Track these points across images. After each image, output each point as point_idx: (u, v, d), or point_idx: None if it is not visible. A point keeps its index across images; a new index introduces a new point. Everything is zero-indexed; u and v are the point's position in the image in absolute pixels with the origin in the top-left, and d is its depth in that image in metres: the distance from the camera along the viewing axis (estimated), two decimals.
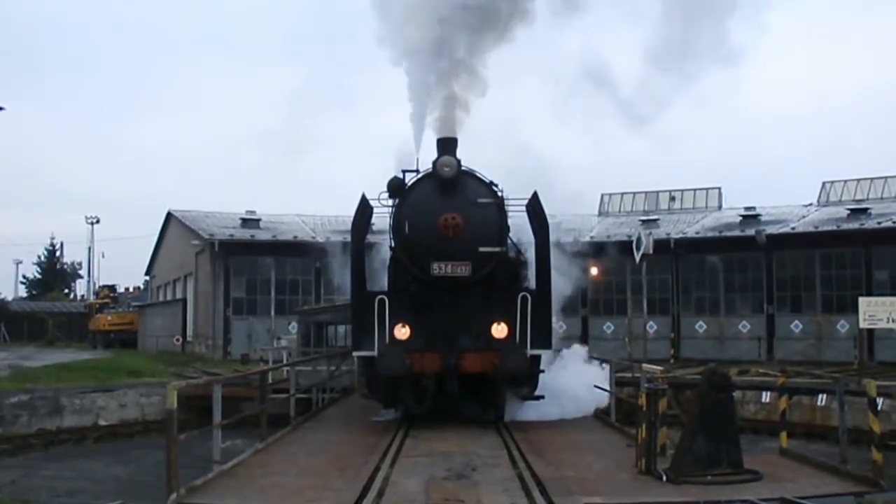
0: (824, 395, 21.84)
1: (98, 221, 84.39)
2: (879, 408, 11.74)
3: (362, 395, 18.26)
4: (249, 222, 45.94)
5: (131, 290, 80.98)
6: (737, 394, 14.67)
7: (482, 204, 15.42)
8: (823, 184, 45.13)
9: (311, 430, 15.74)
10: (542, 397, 16.08)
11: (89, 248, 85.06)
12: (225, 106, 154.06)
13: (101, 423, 25.11)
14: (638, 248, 33.27)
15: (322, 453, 12.96)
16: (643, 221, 44.80)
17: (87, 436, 24.00)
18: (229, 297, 42.92)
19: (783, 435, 12.59)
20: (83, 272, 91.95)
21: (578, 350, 20.02)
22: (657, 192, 49.01)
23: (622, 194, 49.44)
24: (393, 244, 16.04)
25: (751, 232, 39.78)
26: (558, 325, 18.67)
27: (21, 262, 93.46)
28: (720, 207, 46.71)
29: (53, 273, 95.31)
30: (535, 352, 15.17)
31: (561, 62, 20.42)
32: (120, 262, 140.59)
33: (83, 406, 25.09)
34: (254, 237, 43.99)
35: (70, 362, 34.95)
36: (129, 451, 22.26)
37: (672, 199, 48.38)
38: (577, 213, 39.74)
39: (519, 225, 16.51)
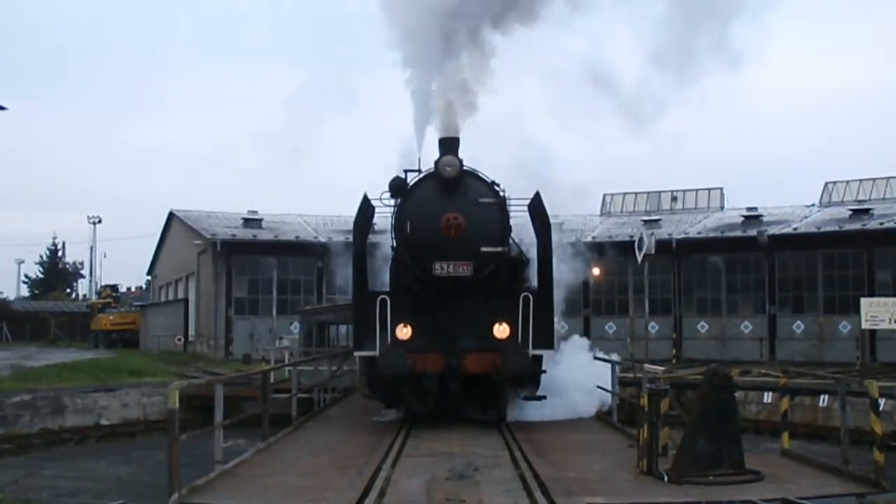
0: (826, 396, 21.82)
1: (100, 221, 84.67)
2: (881, 408, 11.75)
3: (364, 396, 18.26)
4: (251, 222, 45.95)
5: (133, 289, 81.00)
6: (738, 394, 14.66)
7: (484, 204, 15.40)
8: (826, 184, 45.15)
9: (312, 430, 15.74)
10: (544, 397, 16.07)
11: (91, 248, 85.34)
12: (227, 106, 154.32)
13: (103, 422, 25.11)
14: (640, 249, 33.21)
15: (324, 453, 12.96)
16: (645, 222, 44.78)
17: (88, 435, 24.01)
18: (231, 296, 42.94)
19: (785, 435, 12.59)
20: (85, 272, 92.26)
21: (579, 342, 19.93)
22: (659, 193, 49.03)
23: (624, 194, 49.45)
24: (395, 244, 16.02)
25: (753, 232, 39.77)
26: (560, 325, 18.61)
27: (23, 262, 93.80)
28: (722, 208, 46.71)
29: (55, 273, 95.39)
30: (537, 352, 15.14)
31: (563, 63, 20.41)
32: (122, 261, 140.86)
33: (85, 406, 25.10)
34: (256, 237, 44.00)
35: (72, 362, 34.95)
36: (130, 450, 22.26)
37: (674, 199, 48.40)
38: (578, 214, 39.81)
39: (521, 225, 16.51)
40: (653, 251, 32.92)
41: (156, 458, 18.59)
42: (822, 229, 38.98)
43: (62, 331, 69.88)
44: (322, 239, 43.10)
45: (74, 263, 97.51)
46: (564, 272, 18.75)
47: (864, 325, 26.25)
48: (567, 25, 17.74)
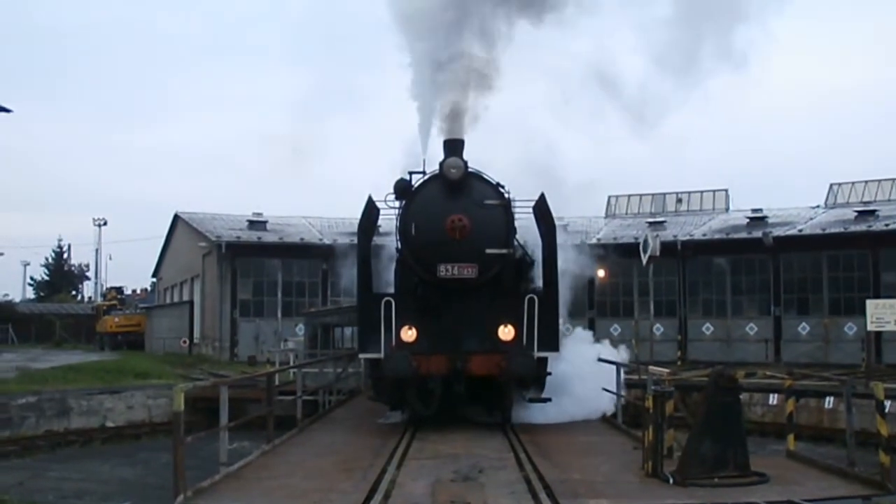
0: (831, 398, 21.79)
1: (105, 223, 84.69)
2: (887, 410, 11.69)
3: (369, 398, 18.26)
4: (256, 224, 45.96)
5: (138, 291, 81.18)
6: (744, 396, 14.62)
7: (489, 205, 15.40)
8: (831, 185, 45.05)
9: (317, 432, 15.75)
10: (549, 400, 16.05)
11: (97, 250, 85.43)
12: (233, 108, 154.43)
13: (109, 424, 25.17)
14: (645, 250, 33.21)
15: (328, 455, 12.97)
16: (650, 223, 44.75)
17: (94, 437, 24.08)
18: (236, 298, 42.94)
19: (790, 437, 12.57)
20: (90, 274, 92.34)
21: (582, 335, 19.73)
22: (664, 194, 48.95)
23: (629, 196, 49.38)
24: (399, 246, 16.02)
25: (758, 234, 39.70)
26: (565, 327, 18.54)
27: (29, 264, 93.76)
28: (727, 209, 46.64)
29: (61, 275, 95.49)
30: (542, 354, 15.12)
31: (569, 64, 20.41)
32: (127, 264, 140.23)
33: (90, 408, 25.16)
34: (261, 239, 44.01)
35: (77, 364, 35.02)
36: (136, 452, 22.33)
37: (679, 201, 48.32)
38: (583, 216, 39.79)
39: (526, 227, 16.50)
40: (658, 253, 32.93)
41: (161, 460, 18.63)
42: (828, 231, 38.90)
43: (67, 333, 69.95)
44: (327, 241, 43.17)
45: (80, 266, 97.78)
46: (569, 274, 18.69)
47: (870, 327, 26.19)
48: (573, 26, 17.73)
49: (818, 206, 44.08)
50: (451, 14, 15.78)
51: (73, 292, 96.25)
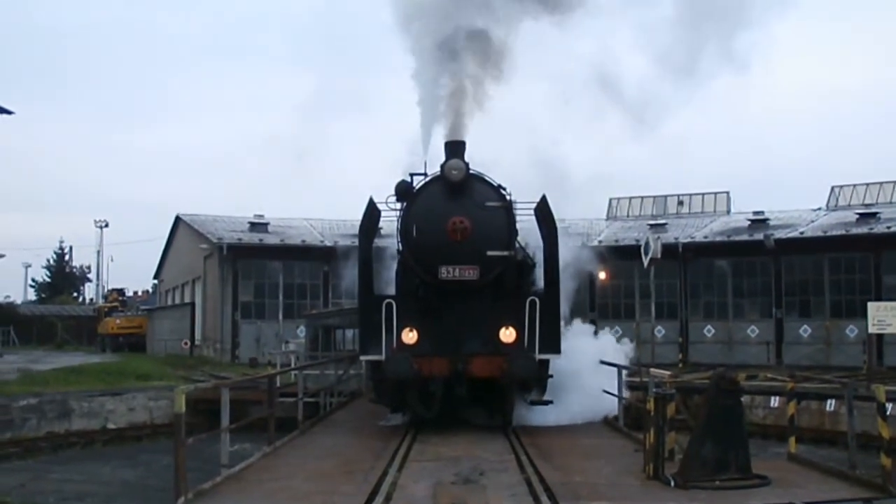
0: (833, 400, 21.78)
1: (107, 225, 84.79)
2: (888, 413, 11.68)
3: (370, 400, 18.26)
4: (258, 226, 45.97)
5: (140, 293, 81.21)
6: (745, 398, 14.60)
7: (490, 207, 15.37)
8: (832, 188, 45.06)
9: (318, 434, 15.74)
10: (551, 402, 16.05)
11: (98, 252, 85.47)
12: (234, 110, 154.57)
13: (110, 426, 25.19)
14: (646, 253, 33.23)
15: (330, 457, 12.96)
16: (651, 226, 44.74)
17: (95, 439, 24.09)
18: (237, 300, 42.94)
19: (792, 440, 12.56)
20: (92, 276, 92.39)
21: (581, 328, 19.55)
22: (665, 197, 48.94)
23: (630, 198, 49.38)
24: (400, 248, 16.01)
25: (759, 236, 39.69)
26: (566, 329, 18.46)
27: (30, 266, 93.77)
28: (728, 212, 46.64)
29: (62, 276, 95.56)
30: (544, 356, 15.10)
31: (571, 66, 20.42)
32: (128, 265, 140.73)
33: (92, 409, 25.17)
34: (262, 241, 44.02)
35: (79, 366, 35.03)
36: (137, 454, 22.34)
37: (680, 203, 48.32)
38: (585, 218, 39.80)
39: (527, 229, 16.50)
40: (659, 255, 32.96)
41: (162, 462, 18.64)
42: (829, 233, 38.88)
43: (69, 335, 70.00)
44: (328, 243, 43.19)
45: (81, 267, 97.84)
46: (570, 276, 18.65)
47: (871, 330, 26.21)
48: (574, 27, 17.74)
49: (819, 209, 44.07)
50: (453, 14, 15.76)
51: (75, 294, 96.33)
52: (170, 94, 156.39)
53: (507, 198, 15.68)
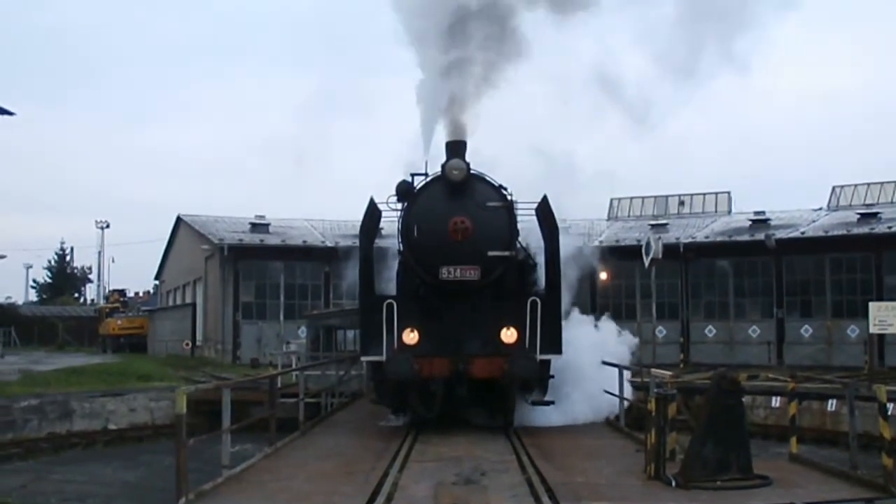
0: (834, 400, 21.77)
1: (108, 226, 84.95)
2: (890, 413, 11.67)
3: (371, 400, 18.25)
4: (259, 227, 45.97)
5: (141, 294, 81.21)
6: (746, 399, 14.61)
7: (491, 207, 15.36)
8: (833, 188, 45.05)
9: (320, 435, 15.74)
10: (552, 402, 16.04)
11: (99, 253, 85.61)
12: (236, 111, 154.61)
13: (111, 427, 25.17)
14: (647, 253, 33.25)
15: (331, 458, 12.96)
16: (652, 226, 44.72)
17: (96, 440, 24.08)
18: (238, 301, 42.94)
19: (793, 440, 12.55)
20: (93, 276, 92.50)
21: (580, 318, 19.23)
22: (666, 197, 48.90)
23: (631, 199, 49.35)
24: (401, 248, 16.00)
25: (760, 236, 39.67)
26: (565, 320, 18.21)
27: (31, 267, 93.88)
28: (730, 212, 46.62)
29: (64, 277, 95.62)
30: (545, 357, 15.08)
31: (571, 66, 20.40)
32: (130, 266, 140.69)
33: (93, 410, 25.16)
34: (263, 241, 44.02)
35: (80, 366, 35.04)
36: (138, 455, 22.33)
37: (681, 203, 48.29)
38: (586, 218, 39.78)
39: (528, 229, 16.48)
40: (660, 255, 32.98)
41: (163, 463, 18.65)
42: (830, 233, 38.86)
43: (70, 335, 70.04)
44: (329, 243, 43.21)
45: (82, 268, 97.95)
46: (571, 276, 18.57)
47: (873, 329, 26.18)
48: (574, 27, 17.72)
49: (821, 209, 44.05)
50: (456, 14, 15.74)
51: (76, 295, 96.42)
52: (171, 95, 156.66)
53: (508, 198, 15.67)
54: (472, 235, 14.95)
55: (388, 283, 17.25)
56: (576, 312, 19.10)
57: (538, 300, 15.09)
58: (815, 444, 19.79)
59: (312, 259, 42.92)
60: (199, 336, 48.51)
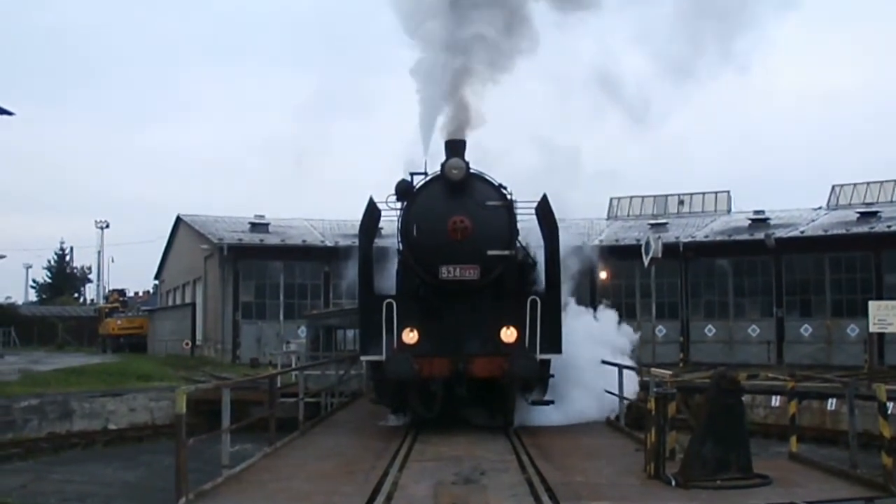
0: (834, 400, 21.76)
1: (108, 226, 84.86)
2: (889, 412, 11.67)
3: (371, 400, 18.24)
4: (258, 226, 45.98)
5: (141, 294, 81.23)
6: (746, 398, 14.61)
7: (491, 207, 15.33)
8: (833, 187, 45.07)
9: (319, 435, 15.73)
10: (552, 402, 16.03)
11: (99, 253, 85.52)
12: (235, 111, 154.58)
13: (111, 427, 25.17)
14: (647, 252, 33.24)
15: (331, 458, 12.96)
16: (652, 225, 44.73)
17: (96, 440, 24.08)
18: (238, 301, 42.96)
19: (793, 439, 12.55)
20: (93, 276, 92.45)
21: (576, 310, 19.07)
22: (666, 196, 48.93)
23: (631, 198, 49.35)
24: (401, 247, 15.99)
25: (760, 235, 39.69)
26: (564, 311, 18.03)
27: (31, 267, 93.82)
28: (729, 211, 46.64)
29: (63, 277, 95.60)
30: (545, 356, 15.06)
31: (571, 66, 20.38)
32: (129, 266, 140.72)
33: (93, 410, 25.16)
34: (263, 241, 44.03)
35: (80, 366, 35.04)
36: (138, 455, 22.33)
37: (681, 202, 48.32)
38: (585, 217, 39.80)
39: (528, 228, 16.47)
40: (660, 255, 32.98)
41: (163, 463, 18.64)
42: (830, 232, 38.88)
43: (70, 335, 70.04)
44: (329, 243, 43.21)
45: (82, 268, 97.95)
46: (571, 275, 18.51)
47: (872, 329, 26.23)
48: (573, 27, 17.70)
49: (820, 208, 44.08)
50: (455, 13, 15.72)
51: (76, 295, 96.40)
52: (170, 95, 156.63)
53: (508, 197, 15.65)
54: (472, 235, 14.93)
55: (388, 282, 17.23)
56: (573, 303, 18.91)
57: (538, 299, 15.06)
58: (815, 443, 19.79)
59: (312, 259, 42.94)
60: (198, 336, 48.52)
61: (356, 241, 16.95)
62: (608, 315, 20.09)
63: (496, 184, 15.68)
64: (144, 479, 19.24)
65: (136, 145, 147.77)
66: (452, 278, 15.07)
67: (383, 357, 14.75)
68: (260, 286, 43.45)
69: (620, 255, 36.43)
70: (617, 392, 15.94)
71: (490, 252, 15.09)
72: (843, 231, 38.47)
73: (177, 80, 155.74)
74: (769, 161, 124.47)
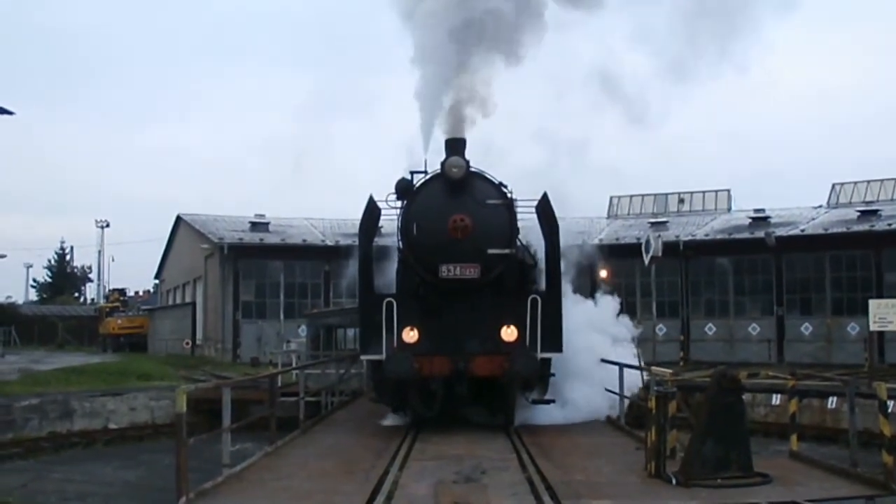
0: (835, 398, 21.75)
1: (108, 225, 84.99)
2: (890, 410, 11.67)
3: (371, 399, 18.23)
4: (258, 226, 45.99)
5: (141, 293, 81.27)
6: (746, 396, 14.60)
7: (491, 205, 15.31)
8: (833, 185, 45.07)
9: (320, 434, 15.73)
10: (553, 401, 16.02)
11: (99, 252, 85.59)
12: (235, 110, 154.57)
13: (111, 426, 25.15)
14: (647, 251, 33.22)
15: (331, 457, 12.96)
16: (652, 224, 44.73)
17: (96, 439, 24.06)
18: (238, 300, 42.98)
19: (793, 438, 12.55)
20: (93, 276, 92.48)
21: (574, 297, 18.69)
22: (666, 195, 48.94)
23: (631, 197, 49.36)
24: (401, 246, 15.97)
25: (760, 234, 39.68)
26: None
27: (31, 266, 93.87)
28: (729, 209, 46.66)
29: (64, 277, 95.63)
30: (546, 355, 15.05)
31: (571, 65, 20.37)
32: (130, 265, 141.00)
33: (93, 409, 25.15)
34: (263, 240, 44.04)
35: (80, 366, 35.03)
36: (138, 454, 22.31)
37: (681, 201, 48.32)
38: (585, 216, 39.82)
39: (528, 227, 16.45)
40: (660, 253, 32.95)
41: (163, 462, 18.62)
42: (830, 231, 38.90)
43: (70, 335, 70.04)
44: (329, 242, 43.22)
45: (82, 267, 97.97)
46: (571, 273, 18.45)
47: (873, 327, 26.19)
48: (573, 26, 17.69)
49: (821, 206, 44.08)
50: (457, 13, 15.68)
51: (76, 294, 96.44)
52: (171, 94, 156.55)
53: (508, 195, 15.63)
54: (472, 233, 14.91)
55: (388, 281, 17.22)
56: (570, 292, 18.51)
57: (538, 298, 15.05)
58: (816, 441, 19.76)
59: (312, 258, 42.96)
60: (199, 335, 48.54)
61: (356, 240, 16.94)
62: (608, 302, 20.00)
63: (496, 182, 15.66)
64: (145, 478, 19.22)
65: (136, 145, 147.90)
66: (453, 277, 15.05)
67: (383, 356, 14.75)
68: (260, 285, 43.47)
69: (621, 253, 36.41)
70: (617, 390, 15.93)
71: (490, 251, 15.07)
72: (844, 229, 38.47)
73: (177, 80, 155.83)
74: (769, 159, 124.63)
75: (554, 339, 15.10)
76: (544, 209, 15.63)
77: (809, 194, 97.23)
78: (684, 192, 48.75)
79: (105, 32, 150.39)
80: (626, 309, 41.39)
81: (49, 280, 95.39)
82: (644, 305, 41.40)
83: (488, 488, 10.34)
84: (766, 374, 25.07)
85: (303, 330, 37.19)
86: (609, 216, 48.80)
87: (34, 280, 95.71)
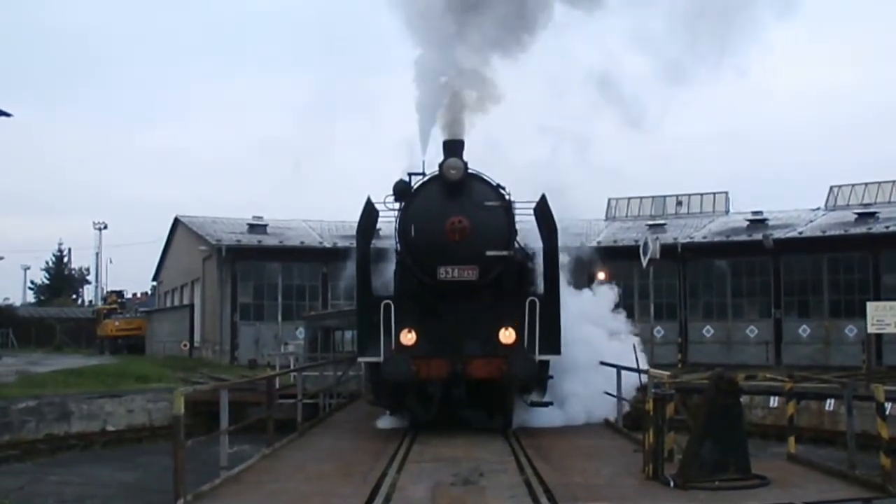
0: (832, 400, 21.77)
1: (106, 227, 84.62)
2: (888, 413, 11.67)
3: (369, 401, 18.21)
4: (256, 227, 46.00)
5: (139, 295, 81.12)
6: (744, 398, 14.60)
7: (489, 207, 15.28)
8: (831, 188, 45.09)
9: (317, 436, 15.72)
10: (551, 403, 16.01)
11: (97, 254, 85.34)
12: (233, 112, 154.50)
13: (109, 428, 25.14)
14: (645, 253, 33.25)
15: (329, 459, 12.94)
16: (650, 226, 44.74)
17: (94, 441, 24.06)
18: (236, 302, 42.96)
19: (791, 440, 12.55)
20: (91, 278, 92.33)
21: (570, 290, 18.50)
22: (664, 197, 48.94)
23: (629, 199, 49.38)
24: (399, 248, 15.96)
25: (758, 236, 39.70)
26: None
27: (29, 268, 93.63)
28: (727, 212, 46.67)
29: (61, 279, 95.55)
30: (544, 357, 15.02)
31: (569, 68, 20.36)
32: (127, 267, 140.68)
33: (91, 412, 25.13)
34: (261, 242, 44.04)
35: (78, 368, 35.00)
36: (136, 456, 22.30)
37: (679, 203, 48.33)
38: (583, 218, 39.81)
39: (527, 229, 16.44)
40: (658, 256, 32.97)
41: (161, 464, 18.56)
42: (828, 233, 38.92)
43: (68, 337, 69.99)
44: (327, 244, 43.22)
45: (80, 269, 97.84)
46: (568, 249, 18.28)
47: (870, 329, 26.18)
48: (572, 26, 17.69)
49: (818, 209, 44.10)
50: (455, 15, 15.69)
51: (74, 296, 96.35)
52: (169, 96, 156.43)
53: (506, 197, 15.63)
54: (470, 235, 14.89)
55: (386, 283, 17.21)
56: (565, 284, 17.98)
57: (537, 300, 15.03)
58: (813, 443, 19.79)
59: (310, 260, 42.96)
60: (196, 337, 48.52)
61: (354, 242, 16.95)
62: (605, 292, 19.95)
63: (494, 184, 15.64)
64: (142, 480, 19.21)
65: (136, 145, 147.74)
66: (451, 279, 15.03)
67: (381, 358, 14.71)
68: (258, 287, 43.46)
69: (618, 255, 36.43)
70: (615, 391, 15.92)
71: (488, 252, 15.05)
72: (842, 232, 38.50)
73: (177, 80, 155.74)
74: (767, 162, 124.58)
75: (552, 341, 15.06)
76: (543, 211, 15.62)
77: (807, 197, 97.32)
78: (682, 195, 48.77)
79: (105, 32, 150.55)
80: (624, 311, 41.72)
81: (47, 282, 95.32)
82: (642, 307, 41.33)
83: (486, 491, 10.34)
84: (763, 377, 25.09)
85: (300, 332, 37.15)
86: (607, 218, 48.82)
87: (32, 282, 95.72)
